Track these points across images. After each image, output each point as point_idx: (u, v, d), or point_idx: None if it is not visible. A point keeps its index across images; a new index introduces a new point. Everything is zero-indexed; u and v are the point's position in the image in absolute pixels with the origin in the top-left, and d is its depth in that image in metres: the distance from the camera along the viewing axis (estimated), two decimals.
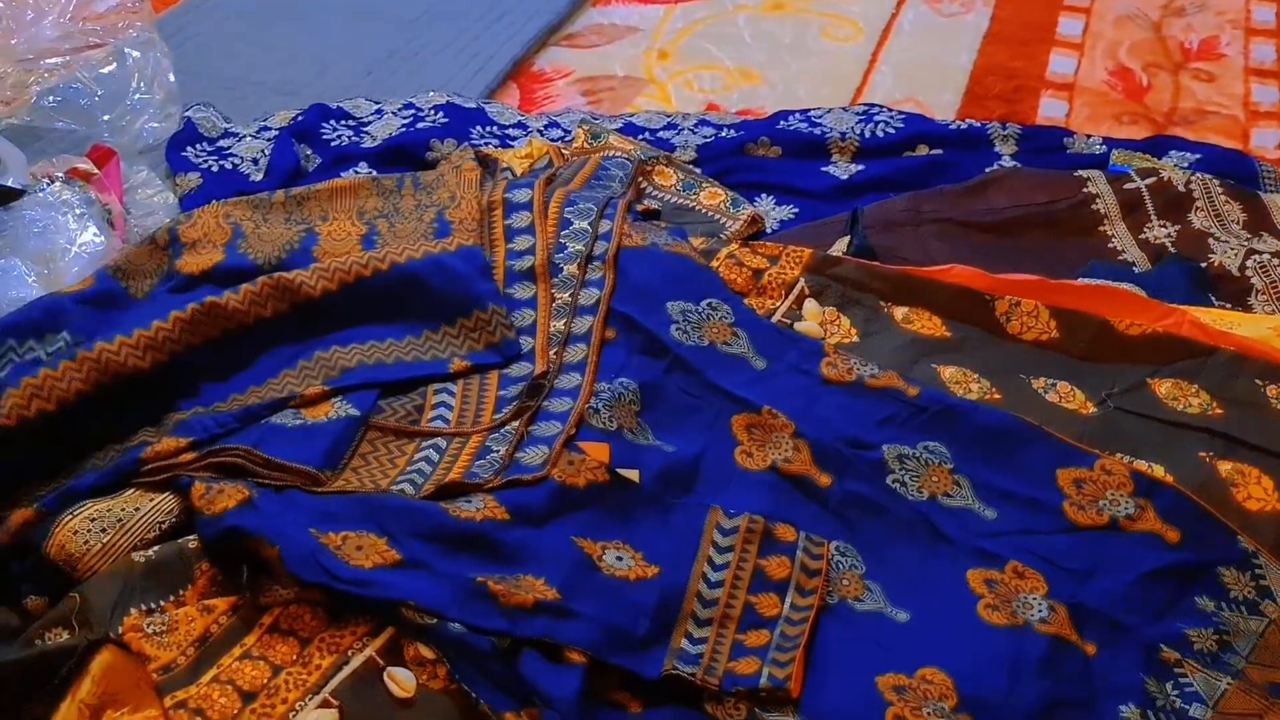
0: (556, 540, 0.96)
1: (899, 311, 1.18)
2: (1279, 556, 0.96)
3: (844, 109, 1.60)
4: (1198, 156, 1.47)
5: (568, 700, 0.85)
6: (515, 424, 1.05)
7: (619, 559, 0.96)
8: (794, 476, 1.04)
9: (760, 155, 1.53)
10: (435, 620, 0.88)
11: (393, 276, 1.15)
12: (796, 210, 1.45)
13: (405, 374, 1.10)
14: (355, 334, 1.14)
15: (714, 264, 1.21)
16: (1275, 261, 1.25)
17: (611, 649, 0.89)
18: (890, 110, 1.58)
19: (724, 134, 1.57)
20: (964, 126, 1.55)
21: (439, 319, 1.14)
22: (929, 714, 0.86)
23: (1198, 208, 1.33)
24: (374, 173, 1.48)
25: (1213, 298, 1.23)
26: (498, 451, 1.03)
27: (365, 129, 1.58)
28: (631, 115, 1.63)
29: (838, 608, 0.95)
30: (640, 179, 1.42)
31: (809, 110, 1.59)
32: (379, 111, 1.62)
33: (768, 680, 0.88)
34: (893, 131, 1.54)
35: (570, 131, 1.58)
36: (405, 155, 1.51)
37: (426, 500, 0.97)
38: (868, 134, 1.54)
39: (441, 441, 1.05)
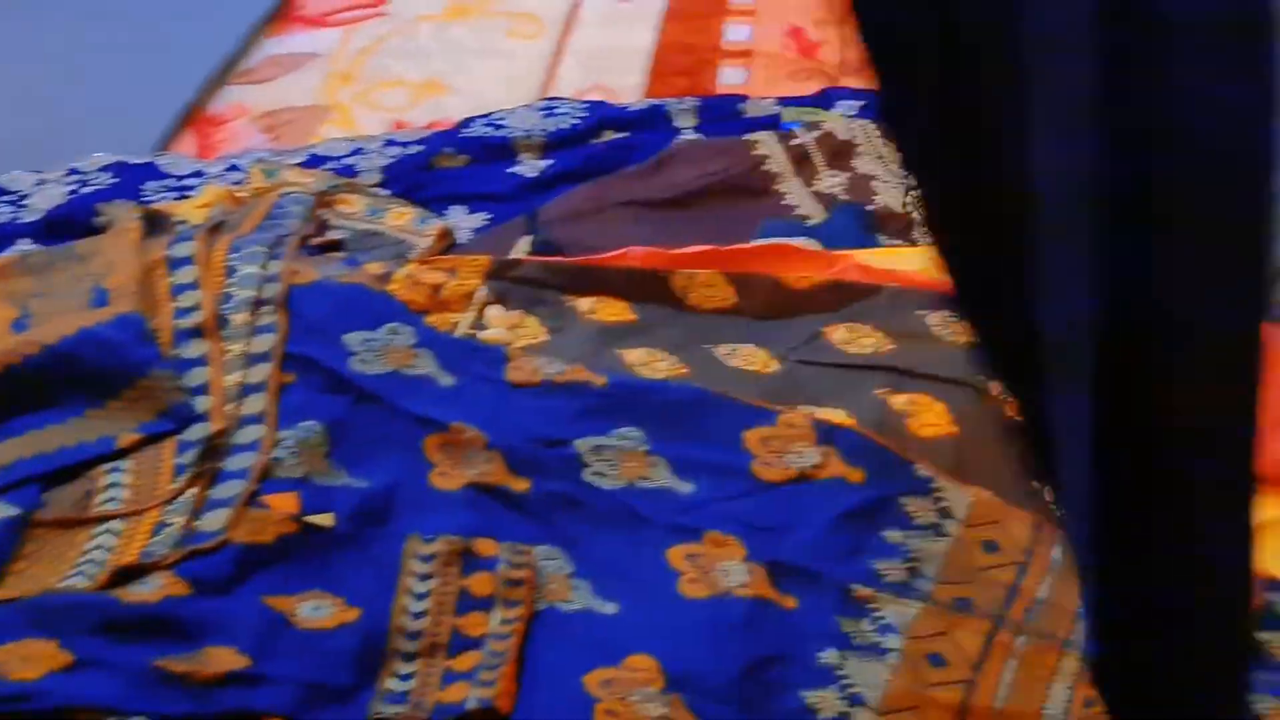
0: (245, 605, 0.92)
1: (584, 303, 1.18)
2: (957, 477, 1.01)
3: (526, 107, 1.59)
4: (863, 103, 1.53)
5: None
6: (193, 491, 1.00)
7: (316, 609, 0.92)
8: (491, 488, 1.02)
9: (447, 166, 1.51)
10: (115, 718, 0.83)
11: (45, 359, 1.08)
12: (489, 216, 1.43)
13: (68, 460, 1.03)
14: (14, 426, 1.06)
15: (392, 287, 1.18)
16: None
17: (311, 706, 0.86)
18: (572, 101, 1.59)
19: (410, 151, 1.54)
20: (644, 107, 1.57)
21: (102, 395, 1.07)
22: (637, 701, 0.86)
23: (861, 153, 1.39)
24: (39, 248, 1.39)
25: (882, 238, 1.28)
26: (175, 524, 0.98)
27: (25, 202, 1.48)
28: (315, 146, 1.58)
29: (547, 613, 0.94)
30: (324, 210, 1.38)
31: (492, 114, 1.58)
32: (41, 182, 1.52)
33: (476, 703, 0.86)
34: (576, 122, 1.55)
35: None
36: (71, 225, 1.41)
37: (99, 591, 0.92)
38: (552, 128, 1.54)
39: (117, 524, 0.99)
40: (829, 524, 0.98)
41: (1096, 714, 0.87)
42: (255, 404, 1.07)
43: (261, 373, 1.10)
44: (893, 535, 0.97)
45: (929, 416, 1.05)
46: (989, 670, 0.89)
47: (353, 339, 1.12)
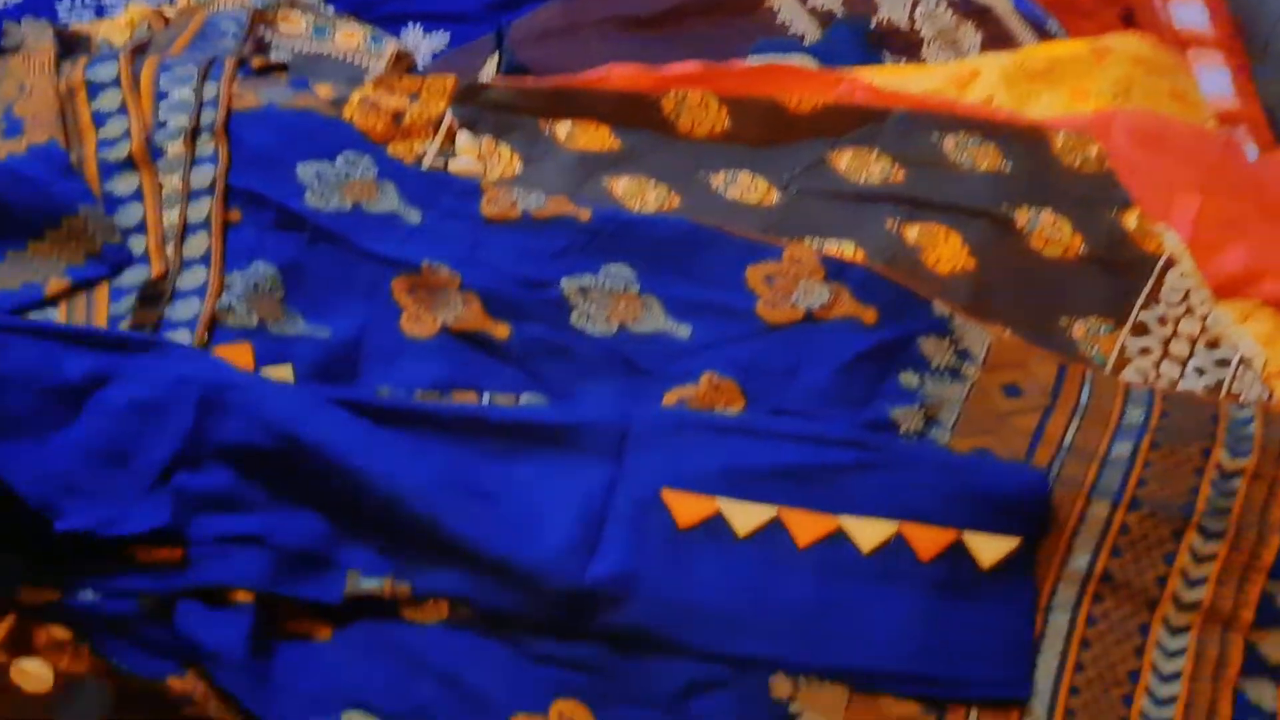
0: None
1: (562, 129, 1.06)
2: (975, 315, 0.93)
3: None
4: None
5: (233, 648, 0.74)
6: None
7: None
8: (468, 334, 0.93)
9: None
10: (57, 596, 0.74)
11: None
12: (450, 34, 1.30)
13: None
14: None
15: (346, 112, 1.06)
16: (943, 7, 1.20)
17: (281, 580, 0.78)
18: None
19: None
20: None
21: (22, 235, 0.95)
22: None
23: None
24: None
25: (886, 55, 1.17)
26: None
27: None
28: None
29: None
30: (263, 29, 1.24)
31: None
32: None
33: None
34: None
35: None
36: None
37: None
38: None
39: None
40: (841, 367, 0.90)
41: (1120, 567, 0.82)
42: (198, 244, 0.96)
43: (203, 209, 0.98)
44: (909, 379, 0.90)
45: (945, 250, 0.96)
46: None
47: (305, 171, 1.00)
